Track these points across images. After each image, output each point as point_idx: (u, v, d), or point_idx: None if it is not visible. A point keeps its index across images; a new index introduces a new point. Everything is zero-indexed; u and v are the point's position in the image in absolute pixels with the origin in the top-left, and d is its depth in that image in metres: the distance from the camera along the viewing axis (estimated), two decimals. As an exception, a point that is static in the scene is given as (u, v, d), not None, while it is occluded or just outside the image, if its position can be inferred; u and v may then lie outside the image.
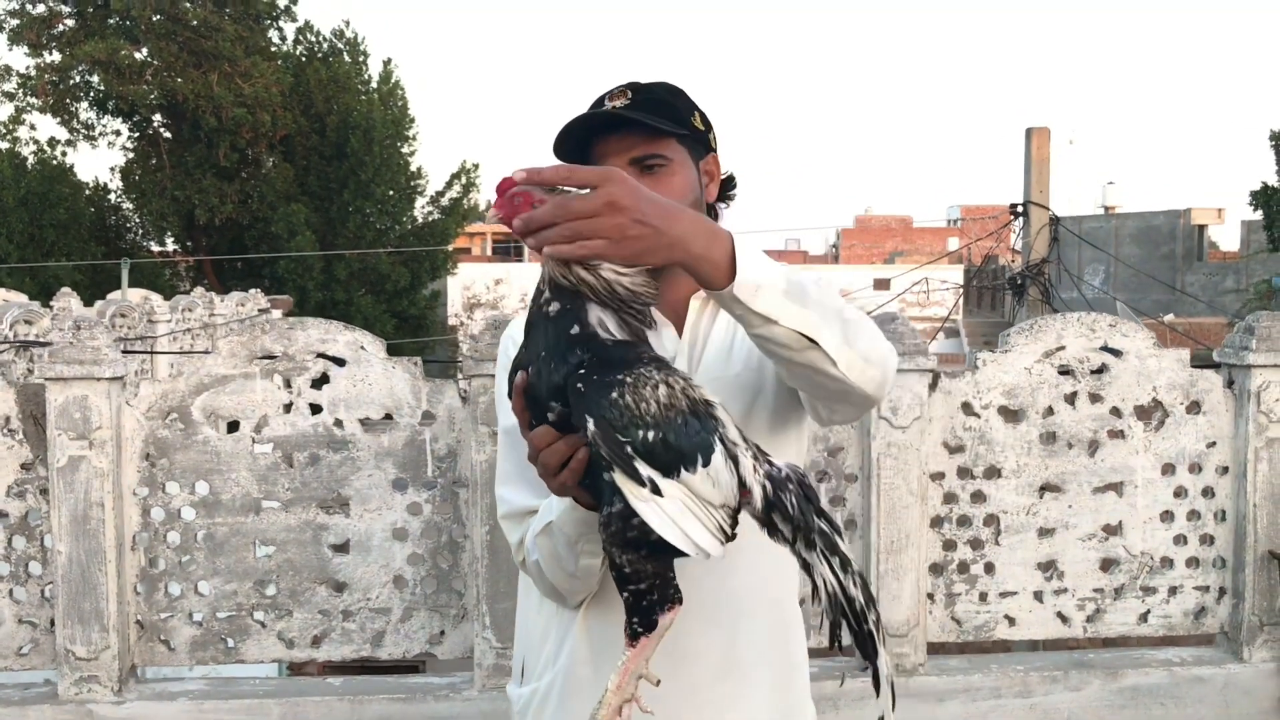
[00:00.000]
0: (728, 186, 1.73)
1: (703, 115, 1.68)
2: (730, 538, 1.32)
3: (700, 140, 1.66)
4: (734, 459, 1.33)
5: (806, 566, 1.36)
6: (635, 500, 1.28)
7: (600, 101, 1.61)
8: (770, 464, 1.37)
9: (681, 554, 1.30)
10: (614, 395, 1.28)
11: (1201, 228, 31.91)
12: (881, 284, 28.63)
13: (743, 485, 1.34)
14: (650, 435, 1.27)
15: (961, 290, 23.38)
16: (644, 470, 1.27)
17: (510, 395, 1.39)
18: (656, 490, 1.27)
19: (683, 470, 1.28)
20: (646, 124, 1.57)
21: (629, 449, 1.27)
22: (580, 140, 1.61)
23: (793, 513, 1.35)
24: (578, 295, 1.34)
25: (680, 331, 1.64)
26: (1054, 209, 12.98)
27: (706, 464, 1.30)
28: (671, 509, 1.27)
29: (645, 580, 1.34)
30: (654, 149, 1.59)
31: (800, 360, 1.38)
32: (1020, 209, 12.96)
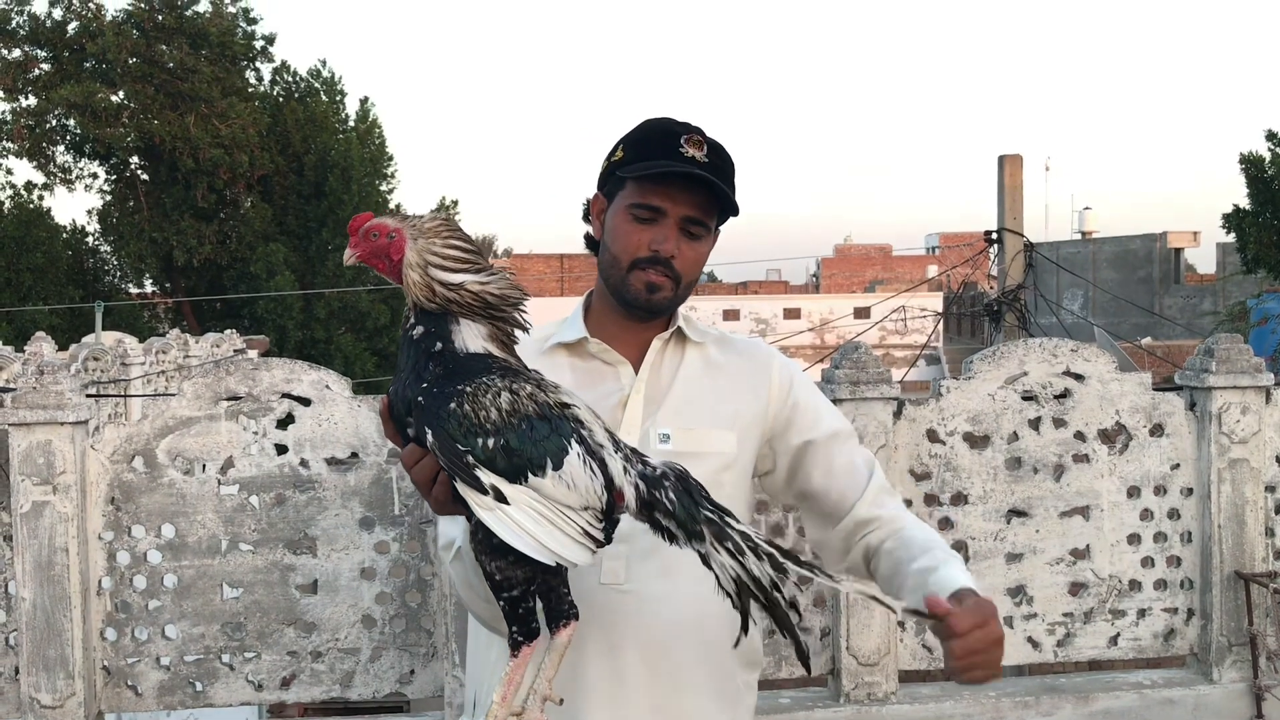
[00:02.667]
0: None
1: None
2: (601, 543, 1.30)
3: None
4: (600, 461, 1.31)
5: (704, 559, 1.34)
6: (479, 509, 1.26)
7: (675, 133, 1.62)
8: (644, 464, 1.35)
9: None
10: (452, 405, 1.27)
11: (1178, 251, 32.15)
12: (862, 312, 28.72)
13: (614, 487, 1.31)
14: (490, 442, 1.26)
15: (940, 317, 23.48)
16: (486, 478, 1.26)
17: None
18: (501, 498, 1.26)
19: (530, 475, 1.27)
20: (713, 191, 1.61)
21: (469, 457, 1.26)
22: (641, 149, 1.63)
23: (674, 509, 1.32)
24: (444, 316, 1.35)
25: (636, 369, 1.67)
26: (1030, 235, 13.09)
27: (558, 467, 1.27)
28: (519, 516, 1.25)
29: (518, 587, 1.32)
30: (706, 217, 1.63)
31: None
32: (995, 236, 13.07)
